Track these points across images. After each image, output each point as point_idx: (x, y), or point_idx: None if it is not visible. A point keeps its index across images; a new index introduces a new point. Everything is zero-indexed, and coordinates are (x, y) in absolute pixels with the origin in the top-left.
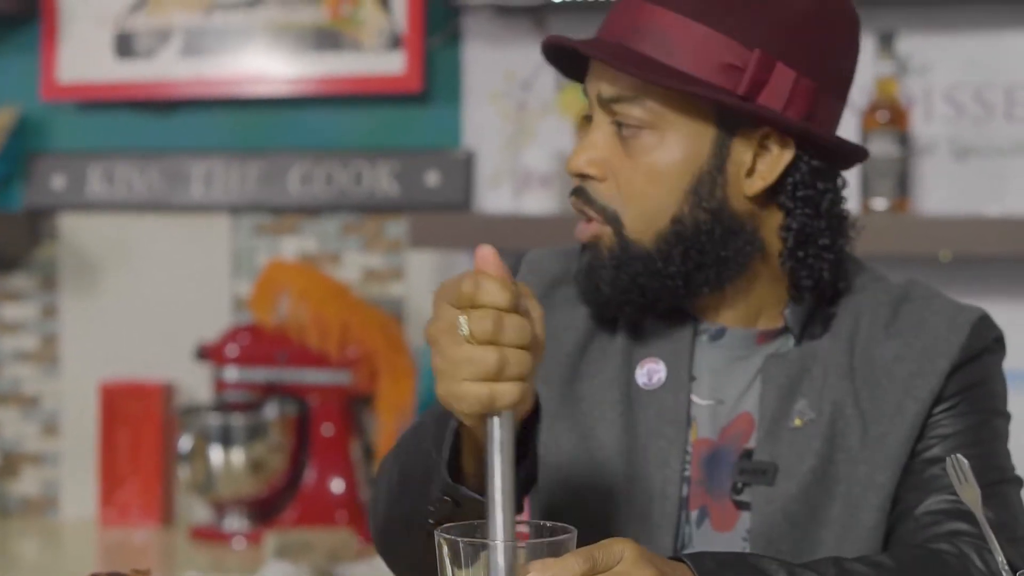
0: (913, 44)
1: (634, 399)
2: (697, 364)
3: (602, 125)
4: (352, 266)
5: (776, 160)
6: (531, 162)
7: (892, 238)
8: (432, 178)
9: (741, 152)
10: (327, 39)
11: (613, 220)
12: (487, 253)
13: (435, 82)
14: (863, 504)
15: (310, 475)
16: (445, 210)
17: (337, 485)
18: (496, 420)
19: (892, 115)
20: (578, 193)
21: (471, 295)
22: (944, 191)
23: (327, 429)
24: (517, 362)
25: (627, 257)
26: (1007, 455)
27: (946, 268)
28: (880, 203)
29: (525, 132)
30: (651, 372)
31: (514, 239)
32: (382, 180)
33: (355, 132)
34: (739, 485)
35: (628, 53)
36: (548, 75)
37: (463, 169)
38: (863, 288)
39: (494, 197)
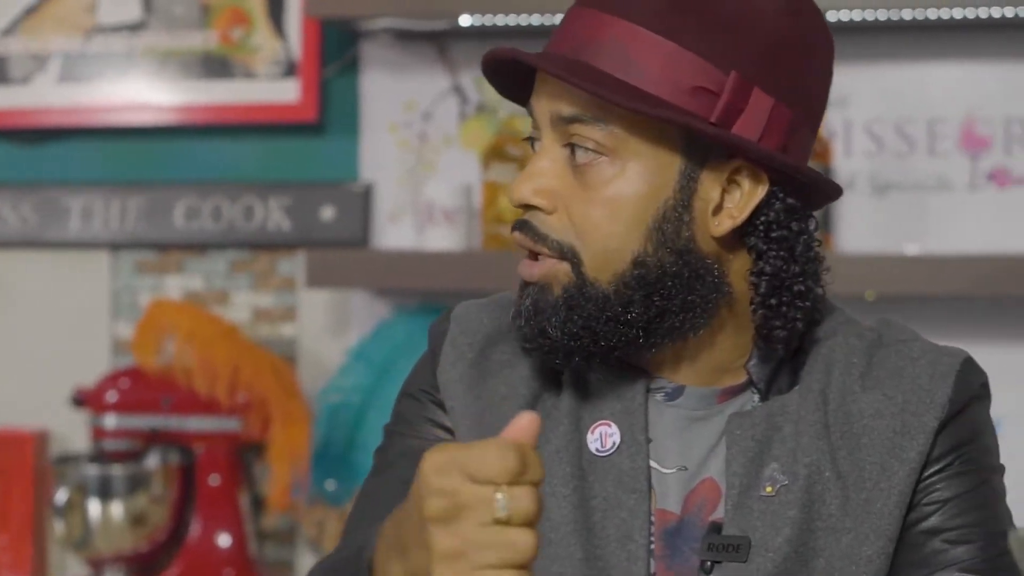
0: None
1: (587, 469)
2: (652, 426)
3: (552, 150)
4: (242, 306)
5: (748, 197)
6: (434, 196)
7: None
8: (328, 212)
9: (709, 187)
10: (216, 66)
11: (571, 256)
12: (532, 421)
13: (331, 111)
14: None
15: (195, 529)
16: (342, 246)
17: (224, 539)
18: None
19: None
20: (523, 228)
21: (516, 471)
22: (864, 227)
23: (214, 479)
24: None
25: (583, 298)
26: (1009, 516)
27: (872, 308)
28: None
29: (426, 164)
30: (603, 435)
31: (416, 276)
32: (274, 214)
33: (245, 164)
34: (708, 564)
35: (589, 70)
36: (450, 105)
37: (361, 203)
38: (833, 333)
39: (394, 233)
